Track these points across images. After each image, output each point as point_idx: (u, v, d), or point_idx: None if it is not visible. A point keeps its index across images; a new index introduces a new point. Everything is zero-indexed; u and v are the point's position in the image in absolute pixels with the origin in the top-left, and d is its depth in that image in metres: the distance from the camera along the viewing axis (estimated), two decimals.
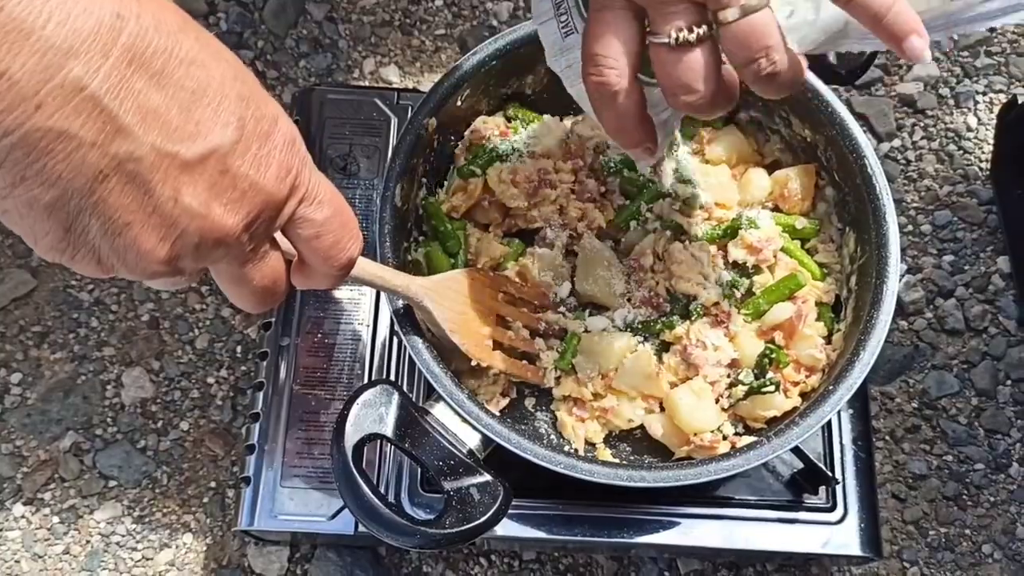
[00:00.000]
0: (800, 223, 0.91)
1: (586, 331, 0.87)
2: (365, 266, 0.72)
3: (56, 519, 1.01)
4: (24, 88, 0.41)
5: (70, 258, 0.49)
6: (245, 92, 0.49)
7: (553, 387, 0.87)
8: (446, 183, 0.93)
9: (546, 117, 0.92)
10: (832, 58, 0.88)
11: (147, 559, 1.00)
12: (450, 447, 0.73)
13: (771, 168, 0.93)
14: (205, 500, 1.02)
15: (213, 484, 1.03)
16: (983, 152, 1.18)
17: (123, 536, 1.01)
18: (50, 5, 0.41)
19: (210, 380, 1.07)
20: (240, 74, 0.50)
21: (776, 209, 0.92)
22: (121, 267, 0.49)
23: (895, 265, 0.80)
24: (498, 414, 0.84)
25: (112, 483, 1.02)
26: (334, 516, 0.88)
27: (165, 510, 1.02)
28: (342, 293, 0.96)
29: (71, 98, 0.42)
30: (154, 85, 0.45)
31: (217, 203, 0.49)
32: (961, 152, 1.19)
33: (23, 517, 1.01)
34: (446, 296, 0.80)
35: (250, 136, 0.49)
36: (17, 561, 0.99)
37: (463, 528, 0.70)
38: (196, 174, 0.47)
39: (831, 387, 0.77)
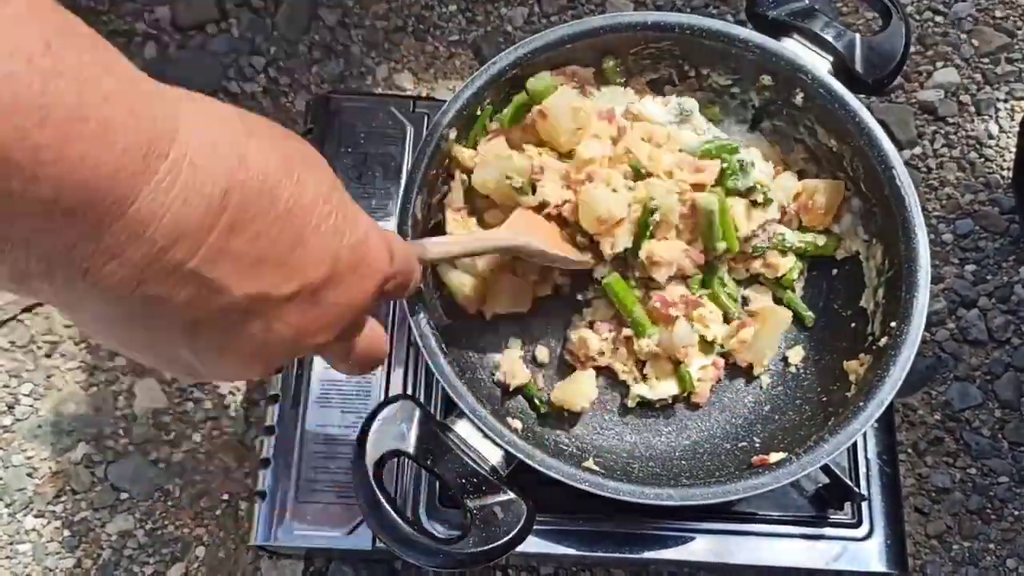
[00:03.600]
0: (821, 240, 0.90)
1: None
2: (448, 247, 0.77)
3: (67, 532, 0.99)
4: (127, 273, 0.42)
5: (166, 371, 0.53)
6: (340, 223, 0.50)
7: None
8: None
9: None
10: (858, 67, 0.87)
11: (159, 572, 0.98)
12: (472, 464, 0.72)
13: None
14: (218, 513, 1.01)
15: (226, 497, 1.01)
16: (1005, 160, 1.17)
17: (135, 549, 0.99)
18: (173, 198, 0.41)
19: (223, 391, 1.05)
20: (333, 195, 0.51)
21: (798, 220, 0.91)
22: (219, 380, 0.53)
23: (925, 279, 0.78)
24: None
25: (124, 495, 1.01)
26: (352, 531, 0.86)
27: (177, 523, 1.00)
28: None
29: (170, 275, 0.43)
30: (252, 244, 0.45)
31: (308, 329, 0.51)
32: (983, 160, 1.17)
33: (34, 530, 0.99)
34: (529, 227, 0.82)
35: (343, 270, 0.51)
36: (28, 574, 0.98)
37: (487, 548, 0.69)
38: (288, 307, 0.49)
39: (861, 403, 0.75)
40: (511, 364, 0.86)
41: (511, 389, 0.86)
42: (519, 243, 0.80)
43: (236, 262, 0.45)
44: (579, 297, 0.91)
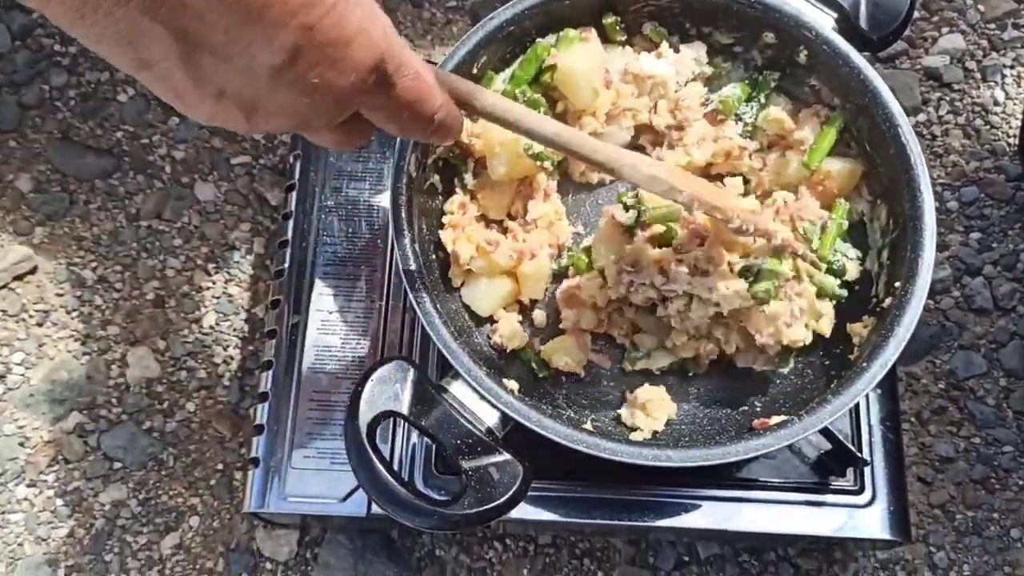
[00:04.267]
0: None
1: None
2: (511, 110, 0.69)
3: (60, 501, 0.98)
4: None
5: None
6: None
7: None
8: None
9: None
10: (863, 23, 0.85)
11: (153, 543, 0.97)
12: (468, 425, 0.71)
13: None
14: (212, 482, 1.00)
15: (220, 466, 1.00)
16: (1011, 127, 1.15)
17: (128, 519, 0.98)
18: None
19: (217, 360, 1.04)
20: None
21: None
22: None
23: (930, 238, 0.77)
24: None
25: (117, 465, 1.00)
26: (346, 498, 0.85)
27: (171, 492, 0.99)
28: (350, 268, 0.93)
29: None
30: None
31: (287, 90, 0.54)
32: (988, 127, 1.15)
33: (26, 499, 0.98)
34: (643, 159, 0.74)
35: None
36: (20, 544, 0.96)
37: (481, 509, 0.68)
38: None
39: (864, 364, 0.74)
40: (508, 327, 0.85)
41: (508, 352, 0.85)
42: (654, 172, 0.71)
43: None
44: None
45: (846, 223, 0.85)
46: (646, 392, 0.83)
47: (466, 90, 0.66)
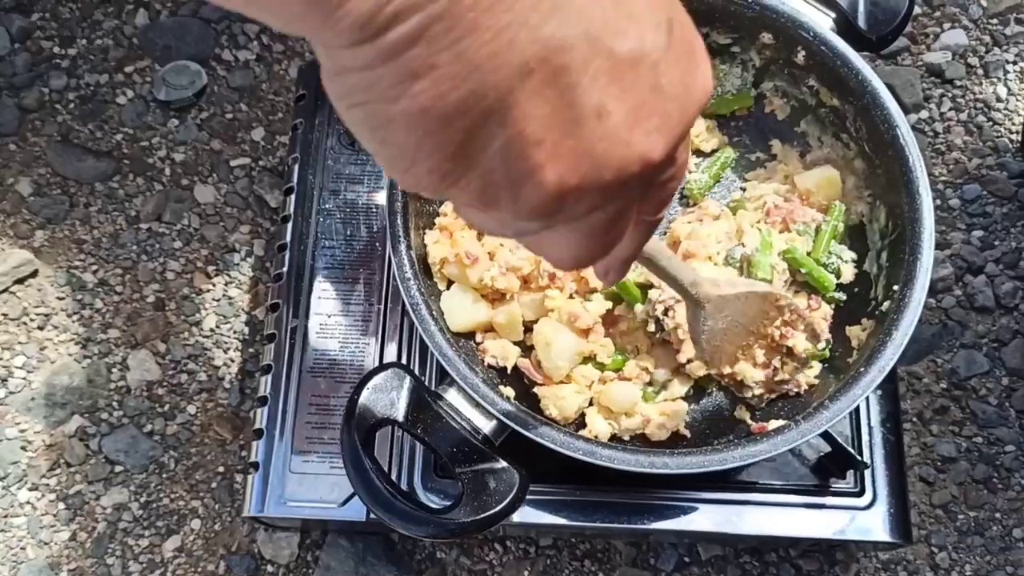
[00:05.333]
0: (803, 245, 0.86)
1: None
2: (658, 245, 0.63)
3: (62, 505, 0.98)
4: None
5: (449, 185, 0.37)
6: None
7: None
8: None
9: None
10: (861, 23, 0.84)
11: (155, 545, 0.98)
12: (464, 433, 0.71)
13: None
14: (213, 485, 1.00)
15: (221, 469, 1.00)
16: (1014, 124, 1.14)
17: (130, 522, 0.98)
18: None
19: (217, 363, 1.04)
20: None
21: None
22: (506, 204, 0.37)
23: (929, 241, 0.76)
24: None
25: (118, 468, 1.00)
26: (345, 502, 0.85)
27: (172, 495, 0.99)
28: (349, 271, 0.93)
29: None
30: None
31: (640, 129, 0.37)
32: (991, 124, 1.14)
33: (28, 503, 0.98)
34: (722, 311, 0.72)
35: (678, 45, 0.38)
36: (23, 548, 0.97)
37: (478, 517, 0.68)
38: (626, 84, 0.36)
39: (862, 368, 0.73)
40: (499, 349, 0.84)
41: (507, 371, 0.84)
42: (699, 312, 0.69)
43: None
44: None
45: (842, 224, 0.84)
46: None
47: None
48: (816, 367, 0.83)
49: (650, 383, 0.84)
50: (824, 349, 0.82)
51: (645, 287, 0.82)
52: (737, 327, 0.75)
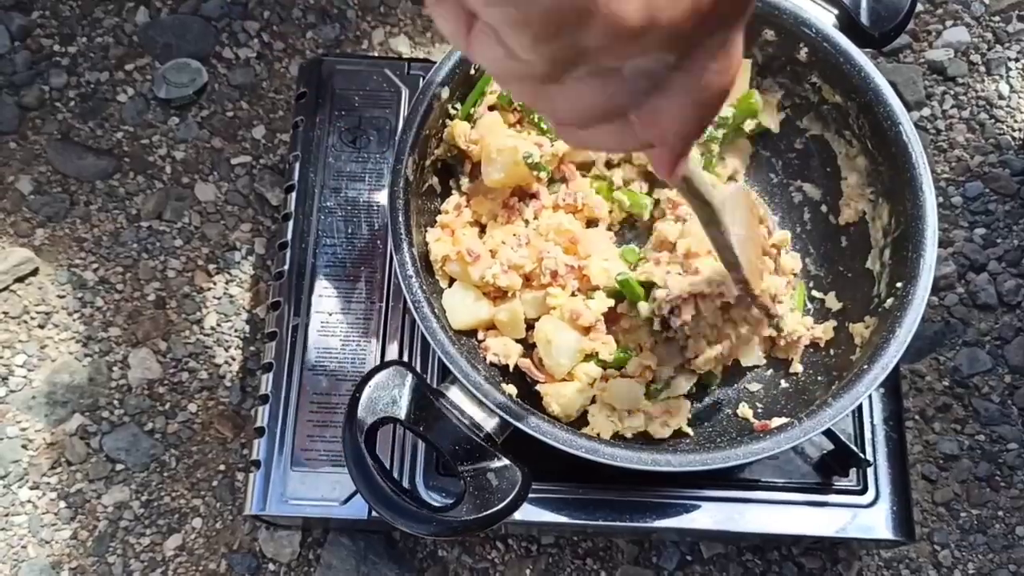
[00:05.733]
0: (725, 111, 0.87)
1: None
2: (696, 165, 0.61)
3: (63, 503, 0.98)
4: None
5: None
6: None
7: None
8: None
9: None
10: (864, 20, 0.84)
11: (156, 544, 0.97)
12: (466, 431, 0.70)
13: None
14: (214, 484, 1.00)
15: (222, 467, 1.00)
16: (1016, 121, 1.14)
17: (131, 521, 0.98)
18: None
19: (219, 361, 1.04)
20: None
21: None
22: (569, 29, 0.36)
23: (932, 238, 0.76)
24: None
25: (119, 467, 1.00)
26: (347, 500, 0.85)
27: (174, 494, 0.99)
28: (350, 269, 0.92)
29: None
30: None
31: None
32: (993, 121, 1.14)
33: (29, 502, 0.98)
34: (734, 214, 0.68)
35: None
36: (24, 547, 0.97)
37: (481, 515, 0.68)
38: None
39: (865, 366, 0.73)
40: (500, 346, 0.84)
41: (509, 368, 0.84)
42: (722, 217, 0.64)
43: None
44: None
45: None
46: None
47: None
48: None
49: (653, 381, 0.84)
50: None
51: (648, 285, 0.81)
52: (750, 233, 0.72)
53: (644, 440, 0.82)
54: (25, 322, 1.04)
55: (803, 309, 0.87)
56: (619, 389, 0.81)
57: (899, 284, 0.77)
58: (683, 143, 0.46)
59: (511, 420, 0.71)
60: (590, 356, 0.82)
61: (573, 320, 0.80)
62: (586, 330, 0.81)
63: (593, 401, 0.83)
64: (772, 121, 0.91)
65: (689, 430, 0.83)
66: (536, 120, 0.85)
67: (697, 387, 0.86)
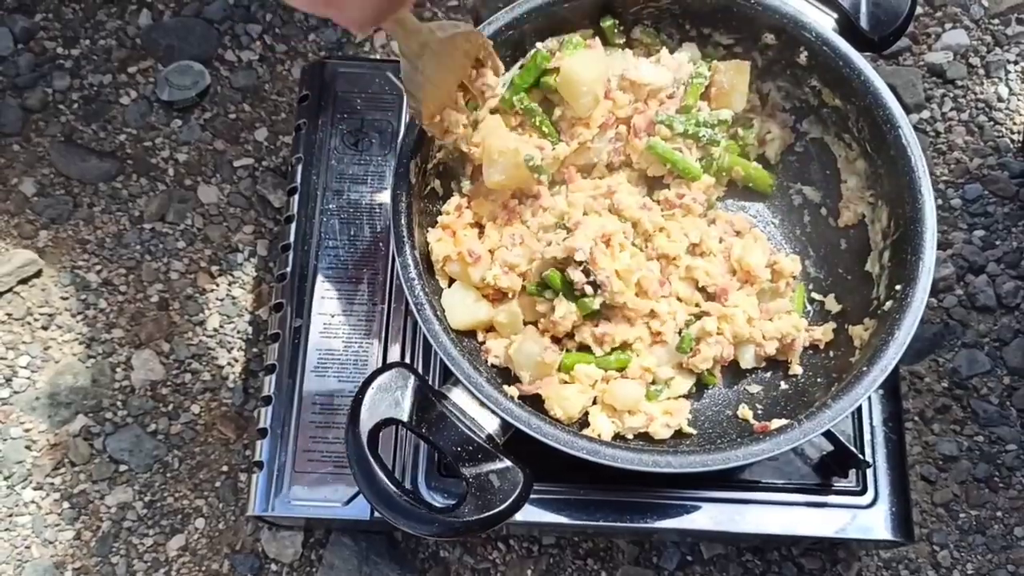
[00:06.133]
0: (725, 114, 0.89)
1: None
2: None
3: (66, 504, 0.99)
4: None
5: None
6: None
7: None
8: None
9: None
10: (864, 23, 0.84)
11: (159, 544, 0.98)
12: (468, 432, 0.71)
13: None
14: (217, 485, 1.00)
15: (225, 468, 1.01)
16: (1015, 123, 1.15)
17: (134, 521, 0.99)
18: None
19: (221, 362, 1.04)
20: None
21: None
22: None
23: (931, 240, 0.77)
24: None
25: (123, 467, 1.00)
26: (349, 501, 0.86)
27: (177, 495, 1.00)
28: (352, 271, 0.93)
29: None
30: None
31: None
32: (992, 123, 1.15)
33: (33, 502, 0.99)
34: (441, 57, 0.76)
35: None
36: (28, 547, 0.97)
37: (483, 516, 0.68)
38: None
39: (864, 368, 0.74)
40: (504, 349, 0.84)
41: (510, 371, 0.84)
42: (417, 61, 0.74)
43: None
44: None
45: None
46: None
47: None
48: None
49: (653, 382, 0.84)
50: None
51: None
52: (447, 73, 0.78)
53: (645, 441, 0.82)
54: (29, 324, 1.05)
55: (803, 311, 0.88)
56: (620, 390, 0.81)
57: (898, 286, 0.77)
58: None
59: (513, 422, 0.72)
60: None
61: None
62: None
63: (594, 403, 0.83)
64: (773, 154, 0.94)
65: (691, 430, 0.83)
66: (538, 123, 0.86)
67: (697, 387, 0.86)
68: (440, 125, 0.80)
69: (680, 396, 0.85)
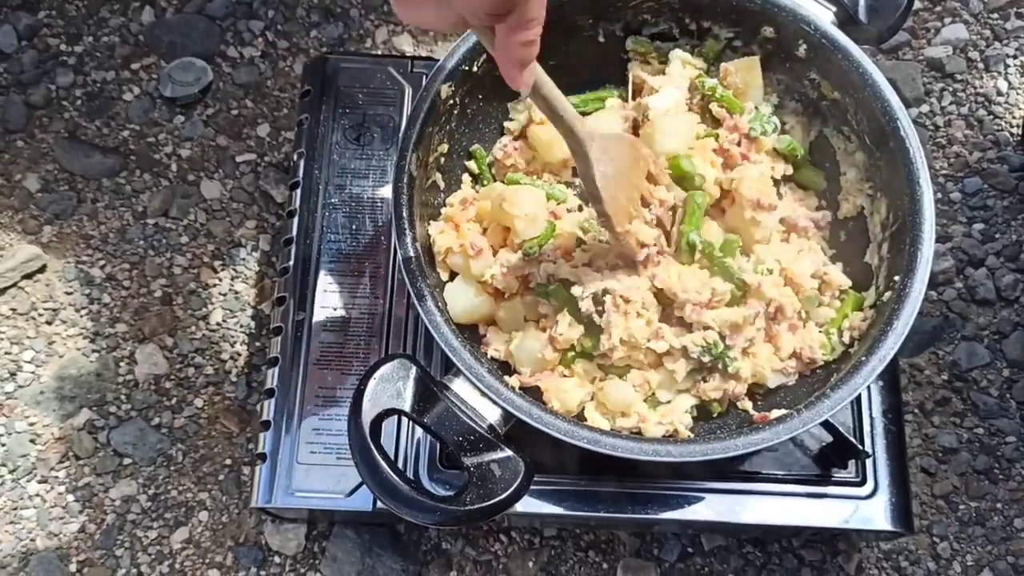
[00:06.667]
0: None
1: None
2: (547, 81, 0.71)
3: (71, 497, 0.99)
4: None
5: None
6: None
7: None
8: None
9: None
10: (863, 17, 0.85)
11: (163, 537, 0.99)
12: (470, 422, 0.71)
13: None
14: (221, 478, 1.01)
15: (228, 461, 1.01)
16: (1014, 117, 1.15)
17: (139, 514, 0.99)
18: None
19: (224, 356, 1.05)
20: None
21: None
22: None
23: (930, 231, 0.77)
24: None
25: (127, 461, 1.01)
26: (352, 493, 0.86)
27: (180, 488, 1.00)
28: (354, 265, 0.93)
29: None
30: None
31: None
32: (991, 117, 1.15)
33: (38, 495, 0.99)
34: (607, 152, 0.76)
35: None
36: (32, 540, 0.98)
37: (484, 505, 0.69)
38: None
39: (863, 358, 0.74)
40: (502, 343, 0.85)
41: (510, 365, 0.85)
42: (586, 152, 0.75)
43: None
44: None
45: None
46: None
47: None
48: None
49: (653, 395, 0.84)
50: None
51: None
52: (621, 174, 0.78)
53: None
54: (33, 318, 1.06)
55: (840, 327, 0.84)
56: (613, 391, 0.81)
57: (897, 277, 0.78)
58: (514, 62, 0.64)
59: (514, 412, 0.72)
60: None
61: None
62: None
63: (592, 398, 0.84)
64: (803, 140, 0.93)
65: (688, 433, 0.82)
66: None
67: (699, 409, 0.84)
68: (634, 236, 0.80)
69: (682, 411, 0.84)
